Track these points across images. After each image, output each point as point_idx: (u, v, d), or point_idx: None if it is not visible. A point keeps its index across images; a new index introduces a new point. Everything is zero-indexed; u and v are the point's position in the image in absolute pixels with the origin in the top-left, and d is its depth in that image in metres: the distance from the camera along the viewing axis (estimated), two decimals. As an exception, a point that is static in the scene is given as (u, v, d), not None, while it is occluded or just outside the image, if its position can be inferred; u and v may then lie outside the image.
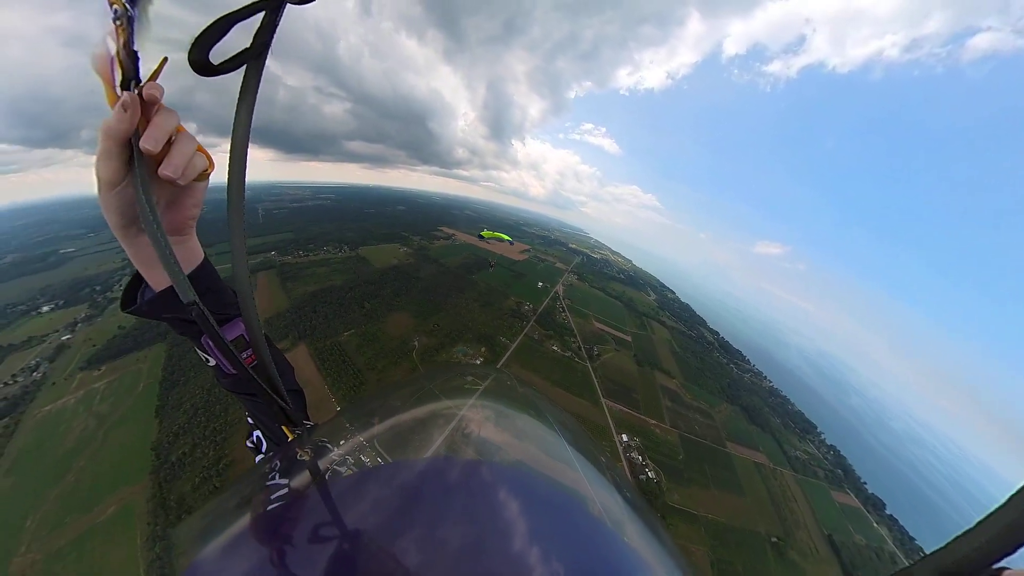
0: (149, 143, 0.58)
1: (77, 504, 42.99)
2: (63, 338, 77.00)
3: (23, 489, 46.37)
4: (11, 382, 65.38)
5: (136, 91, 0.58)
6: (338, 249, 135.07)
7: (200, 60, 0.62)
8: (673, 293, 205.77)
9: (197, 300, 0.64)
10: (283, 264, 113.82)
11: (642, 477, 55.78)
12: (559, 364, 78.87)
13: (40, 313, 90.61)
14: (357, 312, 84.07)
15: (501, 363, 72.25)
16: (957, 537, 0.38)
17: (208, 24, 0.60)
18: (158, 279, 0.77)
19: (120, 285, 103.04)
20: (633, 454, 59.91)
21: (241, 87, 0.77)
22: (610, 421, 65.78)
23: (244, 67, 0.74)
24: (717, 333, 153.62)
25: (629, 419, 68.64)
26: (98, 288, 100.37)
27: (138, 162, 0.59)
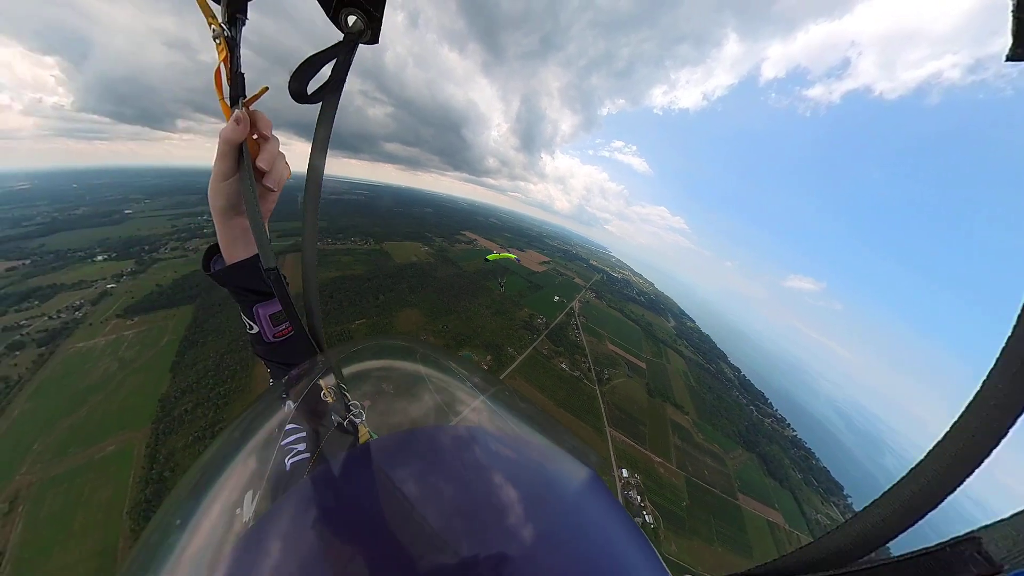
0: (264, 163, 0.84)
1: (83, 437, 45.40)
2: (108, 286, 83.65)
3: (39, 414, 49.55)
4: (55, 317, 71.18)
5: (243, 108, 0.76)
6: (364, 241, 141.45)
7: (297, 89, 0.85)
8: (693, 322, 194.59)
9: (277, 267, 0.81)
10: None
11: (637, 519, 52.21)
12: (566, 383, 75.69)
13: (94, 261, 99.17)
14: (371, 303, 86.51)
15: (505, 375, 69.97)
16: (828, 532, 0.41)
17: (301, 62, 0.82)
18: (233, 254, 0.94)
19: (166, 248, 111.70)
20: (631, 492, 55.12)
21: (319, 115, 0.94)
22: (612, 452, 62.02)
23: (323, 99, 0.94)
24: (738, 370, 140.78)
25: (632, 453, 64.42)
26: (147, 248, 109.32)
27: (246, 165, 0.77)
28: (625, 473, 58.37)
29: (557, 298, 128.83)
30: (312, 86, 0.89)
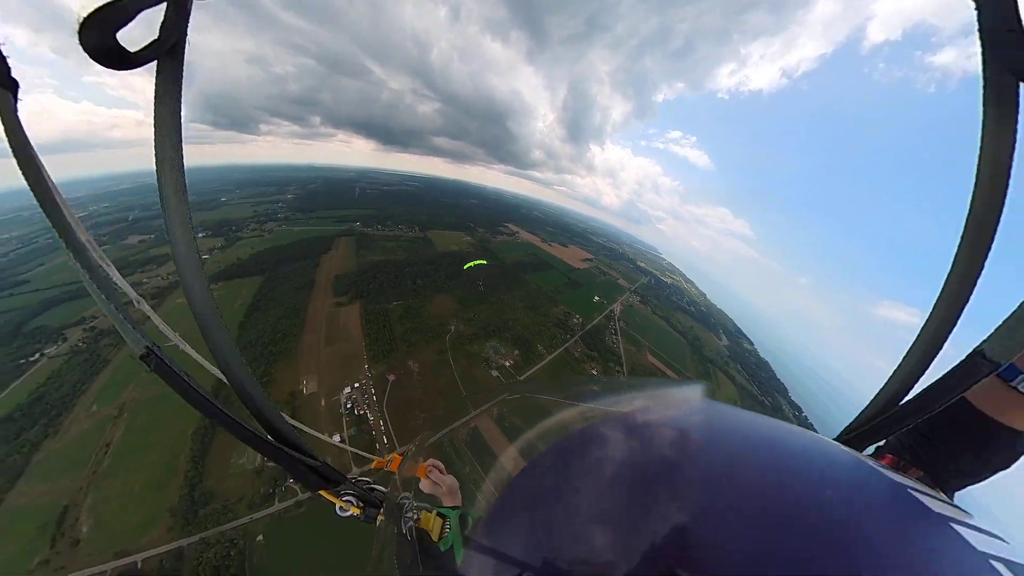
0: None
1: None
2: (203, 257, 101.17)
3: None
4: (164, 279, 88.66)
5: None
6: (409, 229, 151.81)
7: (101, 45, 0.52)
8: (751, 344, 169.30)
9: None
10: (361, 234, 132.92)
11: None
12: None
13: (195, 239, 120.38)
14: (408, 286, 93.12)
15: (529, 375, 69.79)
16: (878, 392, 0.61)
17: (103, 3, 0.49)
18: None
19: (247, 229, 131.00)
20: None
21: (156, 86, 0.70)
22: None
23: (158, 60, 0.67)
24: (800, 410, 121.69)
25: None
26: (234, 228, 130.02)
27: None
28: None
29: (597, 298, 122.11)
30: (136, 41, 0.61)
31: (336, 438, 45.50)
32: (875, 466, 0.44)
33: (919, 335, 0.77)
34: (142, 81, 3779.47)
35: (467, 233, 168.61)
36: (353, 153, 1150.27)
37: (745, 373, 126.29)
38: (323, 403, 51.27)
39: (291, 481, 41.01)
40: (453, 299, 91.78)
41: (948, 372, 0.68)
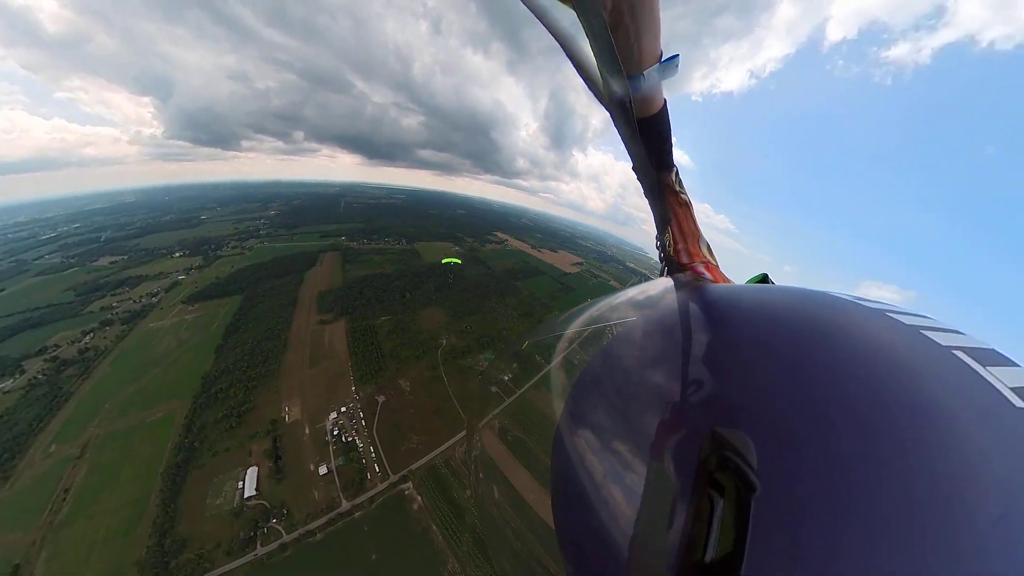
0: None
1: (139, 402, 52.87)
2: (179, 277, 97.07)
3: (113, 379, 58.60)
4: (137, 301, 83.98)
5: None
6: (397, 241, 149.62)
7: None
8: None
9: None
10: (347, 248, 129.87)
11: None
12: None
13: (172, 257, 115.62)
14: (397, 300, 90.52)
15: (529, 385, 70.74)
16: None
17: None
18: None
19: (228, 247, 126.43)
20: None
21: None
22: None
23: None
24: None
25: None
26: (213, 246, 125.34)
27: None
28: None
29: (590, 301, 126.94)
30: None
31: (323, 469, 42.52)
32: (864, 303, 0.48)
33: None
34: (119, 97, 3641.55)
35: (455, 243, 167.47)
36: (338, 168, 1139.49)
37: None
38: (307, 431, 48.11)
39: (274, 521, 37.91)
40: (444, 312, 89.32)
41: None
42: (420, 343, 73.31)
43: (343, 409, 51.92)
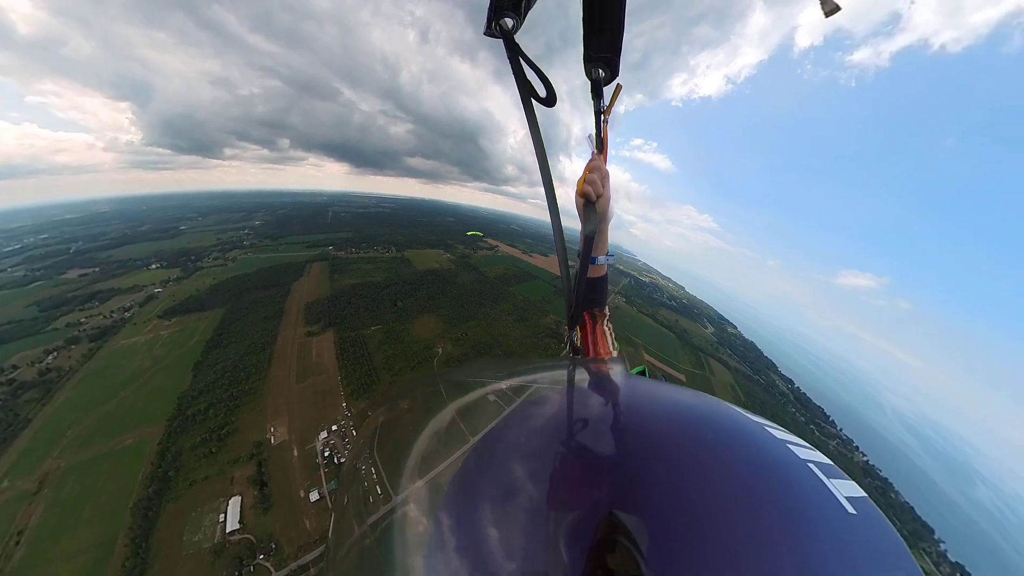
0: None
1: (106, 429, 48.29)
2: (155, 290, 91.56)
3: (77, 403, 53.64)
4: (107, 317, 78.45)
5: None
6: (386, 250, 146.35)
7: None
8: (734, 328, 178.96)
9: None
10: (335, 258, 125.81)
11: None
12: None
13: (149, 269, 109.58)
14: (388, 309, 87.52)
15: (531, 391, 68.18)
16: None
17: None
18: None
19: (209, 258, 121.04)
20: None
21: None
22: None
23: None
24: (791, 382, 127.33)
25: None
26: (193, 258, 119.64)
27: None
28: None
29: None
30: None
31: (314, 495, 39.09)
32: (752, 418, 0.54)
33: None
34: (94, 102, 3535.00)
35: (446, 250, 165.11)
36: (325, 177, 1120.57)
37: (736, 357, 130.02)
38: (296, 453, 44.52)
39: (262, 557, 34.28)
40: (438, 319, 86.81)
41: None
42: (414, 353, 70.49)
43: (334, 427, 48.51)
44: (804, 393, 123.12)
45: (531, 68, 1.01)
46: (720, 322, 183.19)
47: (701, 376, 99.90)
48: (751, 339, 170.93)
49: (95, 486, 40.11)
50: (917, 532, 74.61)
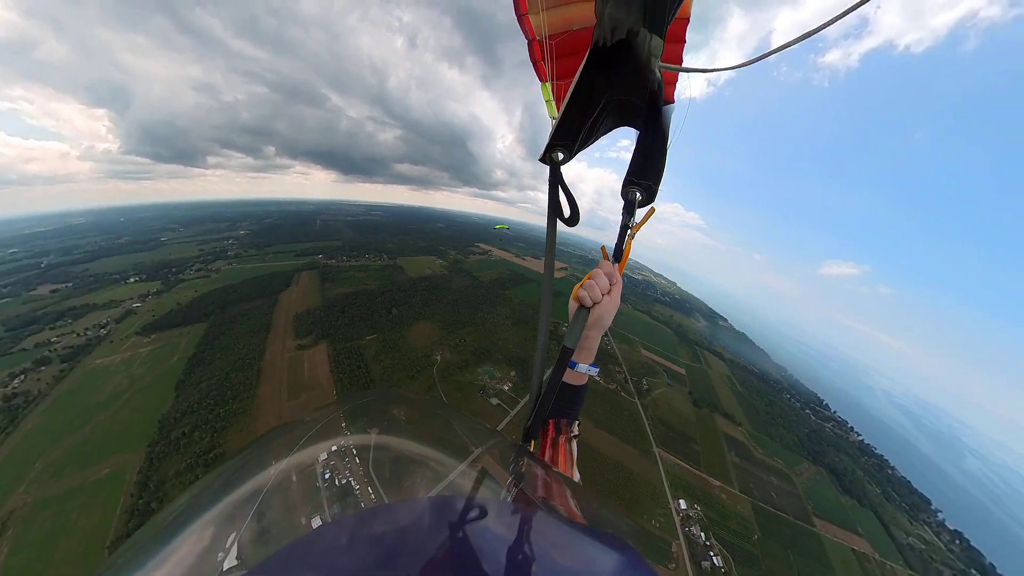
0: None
1: (80, 458, 44.62)
2: (134, 305, 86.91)
3: (48, 430, 49.69)
4: (81, 335, 73.86)
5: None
6: (378, 257, 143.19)
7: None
8: (726, 320, 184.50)
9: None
10: (326, 266, 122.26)
11: (705, 564, 41.63)
12: (603, 398, 68.01)
13: (127, 283, 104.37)
14: (383, 317, 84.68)
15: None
16: None
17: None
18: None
19: (191, 270, 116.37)
20: (693, 528, 44.46)
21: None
22: (664, 478, 52.27)
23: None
24: (784, 369, 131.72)
25: (687, 477, 54.98)
26: (174, 270, 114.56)
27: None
28: (683, 504, 48.97)
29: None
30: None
31: (316, 521, 36.28)
32: None
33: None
34: (69, 109, 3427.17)
35: (438, 256, 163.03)
36: (312, 185, 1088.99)
37: (729, 349, 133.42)
38: (293, 477, 41.60)
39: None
40: (435, 326, 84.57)
41: (555, 364, 1.17)
42: (412, 361, 68.10)
43: (334, 448, 45.69)
44: (797, 380, 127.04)
45: (565, 194, 1.14)
46: (711, 316, 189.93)
47: (698, 369, 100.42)
48: (742, 331, 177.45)
49: (68, 523, 36.67)
50: (916, 504, 76.01)
